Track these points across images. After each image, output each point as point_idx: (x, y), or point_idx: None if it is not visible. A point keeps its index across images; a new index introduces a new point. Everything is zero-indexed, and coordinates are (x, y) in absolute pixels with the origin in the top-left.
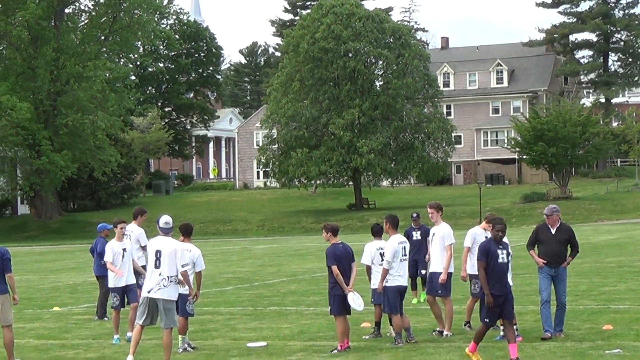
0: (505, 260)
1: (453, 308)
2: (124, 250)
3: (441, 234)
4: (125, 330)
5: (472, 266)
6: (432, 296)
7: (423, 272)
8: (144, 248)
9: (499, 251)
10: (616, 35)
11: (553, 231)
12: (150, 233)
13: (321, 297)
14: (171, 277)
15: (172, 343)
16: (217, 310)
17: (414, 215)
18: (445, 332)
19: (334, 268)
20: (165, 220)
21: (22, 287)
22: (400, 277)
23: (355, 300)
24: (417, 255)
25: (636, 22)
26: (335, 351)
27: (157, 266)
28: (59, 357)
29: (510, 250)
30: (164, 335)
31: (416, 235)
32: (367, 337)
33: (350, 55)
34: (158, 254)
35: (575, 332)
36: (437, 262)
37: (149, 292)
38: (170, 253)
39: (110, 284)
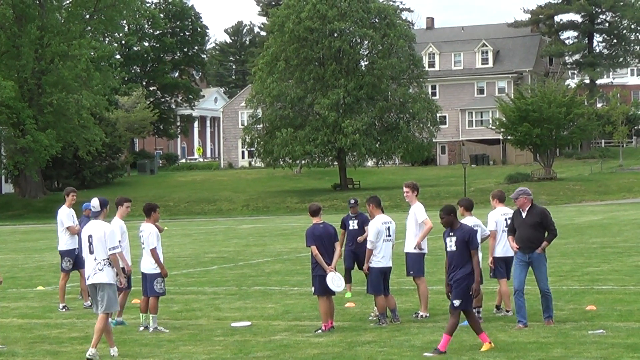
0: (454, 247)
1: (427, 288)
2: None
3: (413, 213)
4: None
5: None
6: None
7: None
8: (68, 229)
9: (448, 239)
10: (601, 16)
11: (524, 215)
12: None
13: (305, 277)
14: (104, 260)
15: (104, 328)
16: (202, 289)
17: (352, 201)
18: (420, 313)
19: (313, 248)
20: (92, 204)
21: (6, 267)
22: (383, 258)
23: (335, 282)
24: (354, 246)
25: (621, 4)
26: (319, 331)
27: (91, 251)
28: (43, 336)
29: (465, 236)
30: (98, 319)
31: (353, 224)
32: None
33: (335, 35)
34: (90, 238)
35: (558, 312)
36: (411, 242)
37: (88, 278)
38: (100, 237)
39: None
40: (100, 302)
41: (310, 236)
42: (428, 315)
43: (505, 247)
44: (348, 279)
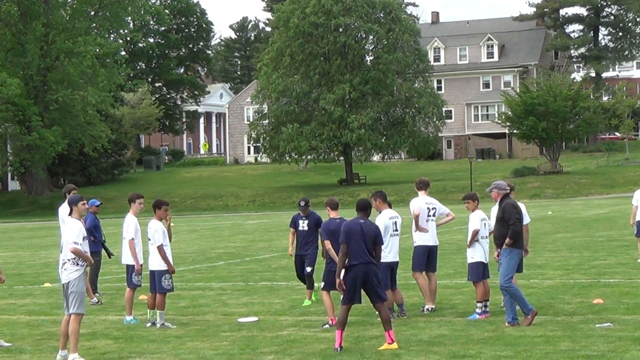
0: None
1: (436, 282)
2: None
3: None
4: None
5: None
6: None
7: (308, 269)
8: None
9: None
10: (606, 9)
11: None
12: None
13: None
14: (67, 259)
15: (78, 330)
16: (209, 285)
17: (302, 203)
18: (427, 306)
19: (327, 243)
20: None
21: (12, 263)
22: (390, 253)
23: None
24: (303, 250)
25: None
26: (327, 326)
27: (61, 250)
28: (51, 333)
29: None
30: (70, 320)
31: (303, 224)
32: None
33: (340, 30)
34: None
35: (565, 306)
36: (417, 236)
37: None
38: (68, 236)
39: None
40: (70, 302)
41: (326, 230)
42: (435, 308)
43: None
44: (311, 285)
